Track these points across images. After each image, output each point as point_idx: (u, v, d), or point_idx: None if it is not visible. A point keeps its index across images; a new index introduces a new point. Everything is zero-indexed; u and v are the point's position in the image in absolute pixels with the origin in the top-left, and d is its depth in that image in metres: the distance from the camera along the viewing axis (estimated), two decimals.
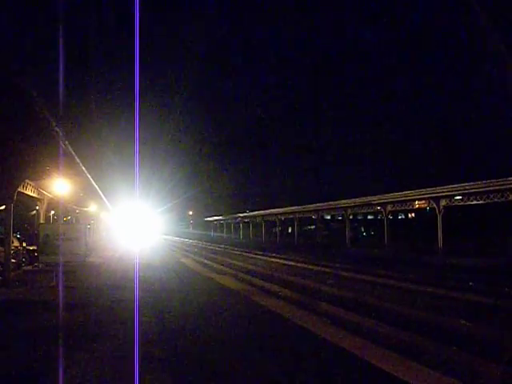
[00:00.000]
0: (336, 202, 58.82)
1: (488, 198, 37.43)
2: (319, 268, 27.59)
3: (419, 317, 12.85)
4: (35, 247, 23.55)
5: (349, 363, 7.91)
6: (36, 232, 22.53)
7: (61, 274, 18.25)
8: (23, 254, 25.99)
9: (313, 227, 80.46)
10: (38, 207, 29.62)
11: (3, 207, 20.21)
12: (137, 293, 15.04)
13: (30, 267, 24.99)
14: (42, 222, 28.06)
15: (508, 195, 34.92)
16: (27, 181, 23.95)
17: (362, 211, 60.90)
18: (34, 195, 26.61)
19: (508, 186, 34.26)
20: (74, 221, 50.85)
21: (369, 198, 51.71)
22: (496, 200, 36.67)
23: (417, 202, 46.87)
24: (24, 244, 27.43)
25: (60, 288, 16.43)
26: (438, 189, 41.30)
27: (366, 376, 7.28)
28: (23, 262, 25.44)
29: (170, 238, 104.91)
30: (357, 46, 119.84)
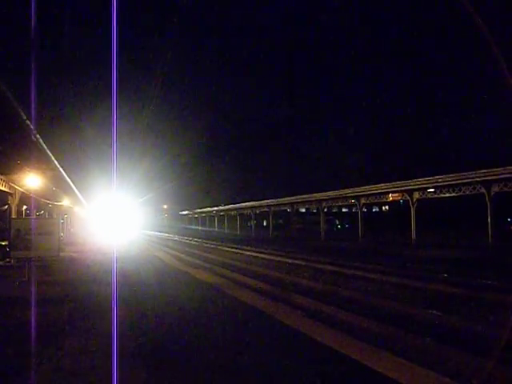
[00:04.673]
0: (311, 195, 59.16)
1: (460, 190, 38.09)
2: (293, 261, 27.72)
3: (388, 307, 13.06)
4: (7, 242, 23.20)
5: (322, 354, 7.99)
6: (8, 227, 22.16)
7: (33, 269, 18.03)
8: None
9: (288, 220, 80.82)
10: (9, 202, 29.14)
11: None
12: (115, 286, 14.95)
13: (1, 263, 24.62)
14: (13, 216, 27.64)
15: (479, 188, 35.56)
16: None
17: (337, 204, 61.42)
18: (5, 189, 26.20)
19: (479, 179, 34.87)
20: (46, 215, 50.20)
21: (343, 191, 52.11)
22: (468, 193, 37.33)
23: (390, 195, 47.47)
24: None
25: (32, 283, 16.23)
26: (411, 181, 41.83)
27: (340, 367, 7.36)
28: None
29: (145, 231, 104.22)
30: (343, 36, 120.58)
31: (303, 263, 26.23)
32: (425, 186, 40.75)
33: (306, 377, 6.89)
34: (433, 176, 39.31)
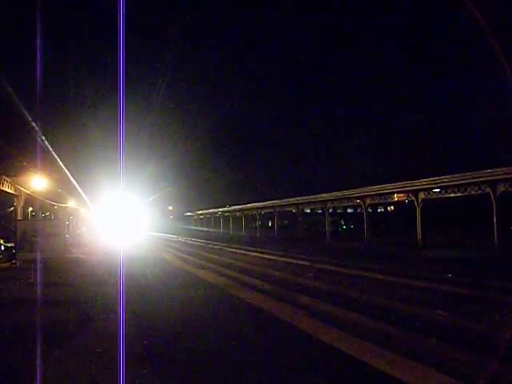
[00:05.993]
0: (316, 196, 59.05)
1: (465, 190, 37.91)
2: (299, 261, 27.70)
3: (394, 308, 13.03)
4: (13, 244, 23.29)
5: (326, 354, 7.98)
6: (14, 229, 22.26)
7: (39, 271, 18.08)
8: (0, 251, 25.69)
9: (293, 221, 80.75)
10: (15, 204, 29.27)
11: None
12: (121, 288, 14.97)
13: (7, 264, 24.72)
14: (19, 218, 27.76)
15: (485, 188, 35.40)
16: (3, 177, 23.65)
17: (342, 204, 61.28)
18: (11, 191, 26.31)
19: (484, 179, 34.72)
20: (52, 217, 50.37)
21: (348, 192, 51.97)
22: (473, 193, 37.16)
23: (396, 195, 47.34)
24: (1, 241, 27.10)
25: (38, 285, 16.28)
26: (417, 182, 41.66)
27: (344, 366, 7.35)
28: (0, 259, 25.15)
29: (151, 233, 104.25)
30: (342, 36, 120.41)
31: (309, 264, 26.19)
32: (430, 186, 40.60)
33: (311, 375, 6.89)
34: (438, 176, 39.16)
